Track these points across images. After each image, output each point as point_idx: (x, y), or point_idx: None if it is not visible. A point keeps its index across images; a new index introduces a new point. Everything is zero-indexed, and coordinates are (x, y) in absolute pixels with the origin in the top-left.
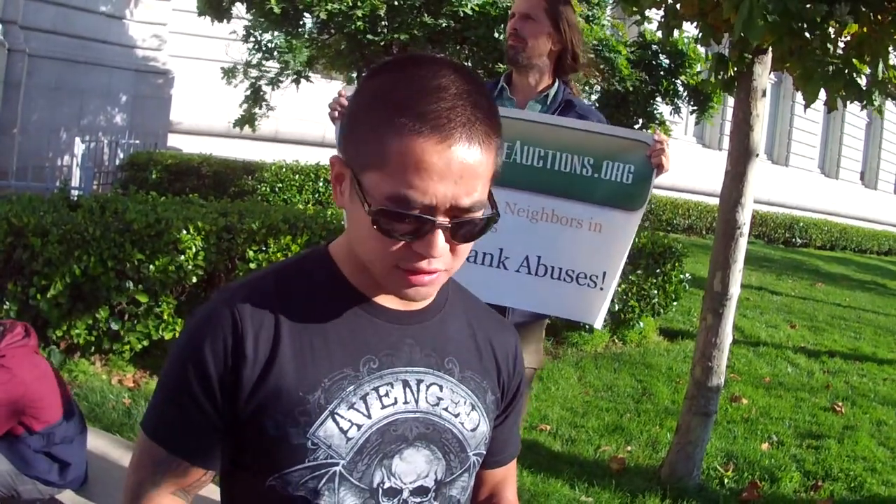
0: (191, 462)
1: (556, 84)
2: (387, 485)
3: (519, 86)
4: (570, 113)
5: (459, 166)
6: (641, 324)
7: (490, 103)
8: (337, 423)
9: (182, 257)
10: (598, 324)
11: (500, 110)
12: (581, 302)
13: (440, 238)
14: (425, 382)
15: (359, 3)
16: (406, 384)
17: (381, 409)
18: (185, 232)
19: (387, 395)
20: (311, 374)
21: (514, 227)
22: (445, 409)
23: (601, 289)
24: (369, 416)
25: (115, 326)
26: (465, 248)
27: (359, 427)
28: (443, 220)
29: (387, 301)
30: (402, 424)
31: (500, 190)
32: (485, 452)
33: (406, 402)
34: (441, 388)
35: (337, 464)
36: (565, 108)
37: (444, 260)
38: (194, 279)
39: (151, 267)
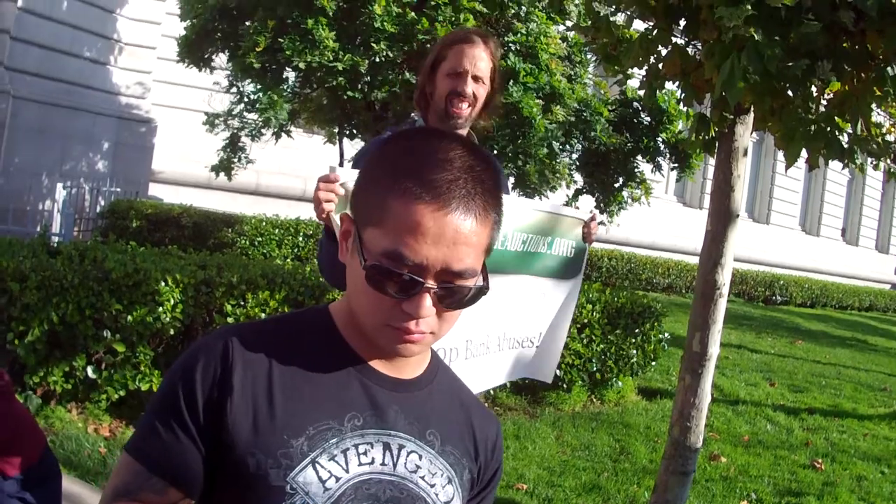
0: (169, 482)
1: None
2: None
3: None
4: None
5: (453, 233)
6: (619, 383)
7: (495, 181)
8: (317, 472)
9: (160, 309)
10: (548, 379)
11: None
12: (529, 362)
13: (427, 300)
14: (406, 449)
15: (340, 57)
16: (387, 447)
17: (359, 465)
18: (163, 283)
19: (365, 453)
20: (298, 419)
21: (483, 311)
22: (422, 478)
23: (537, 346)
24: (347, 471)
25: (92, 375)
26: (453, 315)
27: (337, 479)
28: (431, 283)
29: (379, 365)
30: (376, 485)
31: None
32: None
33: (384, 464)
34: (420, 456)
35: None
36: None
37: (430, 323)
38: (172, 331)
39: (129, 317)
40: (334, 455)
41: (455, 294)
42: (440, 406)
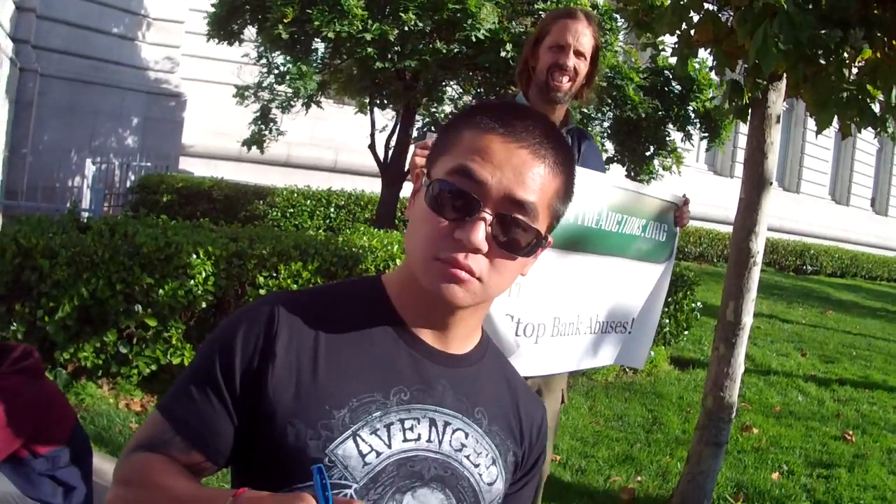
0: (193, 444)
1: (566, 112)
2: None
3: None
4: (584, 141)
5: (520, 161)
6: (652, 353)
7: (569, 151)
8: (357, 445)
9: (192, 282)
10: (640, 365)
11: (592, 174)
12: (621, 348)
13: (481, 229)
14: (452, 426)
15: (369, 27)
16: (433, 423)
17: (403, 441)
18: (194, 256)
19: (411, 429)
20: (342, 390)
21: (574, 291)
22: (467, 457)
23: (630, 332)
24: (389, 446)
25: (123, 350)
26: (505, 266)
27: (378, 454)
28: (488, 211)
29: (429, 338)
30: (421, 462)
31: (576, 255)
32: None
33: (429, 441)
34: (467, 435)
35: (350, 486)
36: (579, 137)
37: (480, 263)
38: (204, 304)
39: (161, 291)
40: (377, 429)
41: (510, 231)
42: (488, 385)
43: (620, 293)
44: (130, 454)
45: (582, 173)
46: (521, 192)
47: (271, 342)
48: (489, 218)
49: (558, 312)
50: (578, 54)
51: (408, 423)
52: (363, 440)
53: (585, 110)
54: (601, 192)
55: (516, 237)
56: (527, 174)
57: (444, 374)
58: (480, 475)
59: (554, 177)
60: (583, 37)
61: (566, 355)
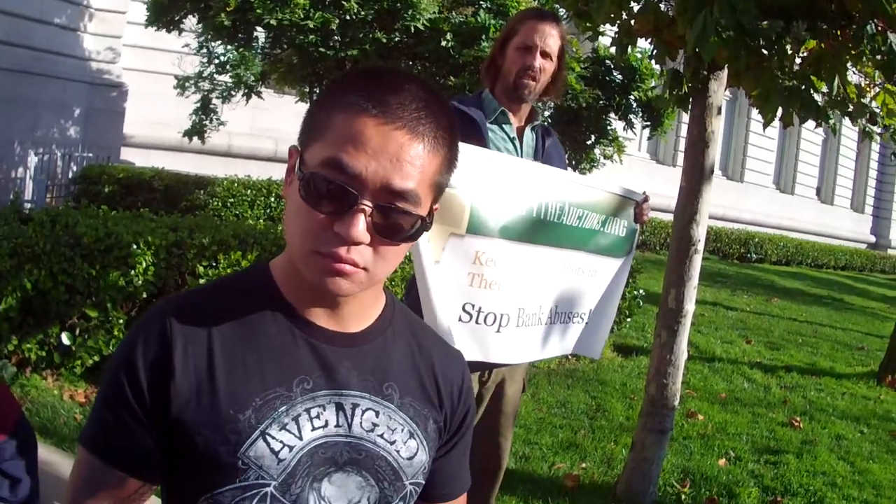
0: (126, 472)
1: (532, 109)
2: None
3: (513, 114)
4: (549, 138)
5: (398, 148)
6: None
7: (450, 122)
8: (268, 444)
9: (132, 272)
10: (597, 355)
11: (555, 171)
12: (579, 338)
13: (361, 223)
14: (361, 407)
15: (311, 15)
16: (340, 407)
17: (312, 430)
18: (135, 247)
19: (318, 416)
20: (243, 392)
21: (537, 282)
22: (380, 436)
23: (586, 323)
24: (301, 438)
25: (66, 342)
26: (391, 252)
27: (290, 448)
28: (367, 203)
29: (325, 322)
30: (332, 448)
31: (538, 248)
32: (423, 482)
33: (338, 426)
34: (377, 413)
35: (268, 484)
36: (544, 134)
37: (364, 254)
38: (145, 294)
39: (102, 282)
40: (285, 424)
41: (392, 219)
42: (397, 356)
43: (580, 285)
44: None
45: (546, 170)
46: (400, 181)
47: (168, 354)
48: (368, 209)
49: (523, 303)
50: (545, 55)
51: (314, 412)
52: (273, 437)
53: None
54: (563, 188)
55: (399, 223)
56: (405, 159)
57: (346, 355)
58: (398, 451)
59: (435, 154)
60: (550, 38)
61: (530, 345)
